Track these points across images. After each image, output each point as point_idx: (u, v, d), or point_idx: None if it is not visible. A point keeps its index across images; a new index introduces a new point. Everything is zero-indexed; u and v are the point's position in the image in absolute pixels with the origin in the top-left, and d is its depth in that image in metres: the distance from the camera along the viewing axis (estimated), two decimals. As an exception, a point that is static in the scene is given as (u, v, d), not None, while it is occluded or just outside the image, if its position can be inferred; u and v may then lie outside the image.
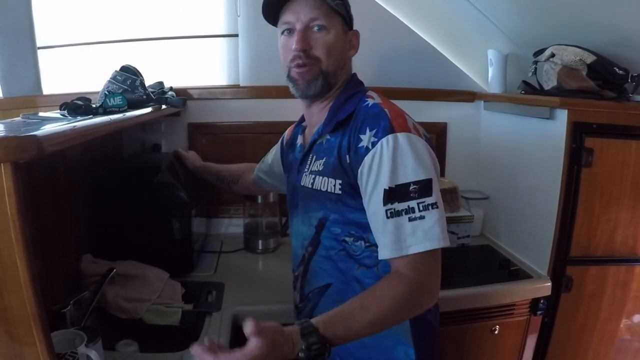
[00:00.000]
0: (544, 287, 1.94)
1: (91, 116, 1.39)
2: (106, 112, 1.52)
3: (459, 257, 2.25)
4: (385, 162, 1.15)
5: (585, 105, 1.86)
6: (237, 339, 1.66)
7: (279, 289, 1.89)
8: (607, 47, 1.95)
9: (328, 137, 1.32)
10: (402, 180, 1.14)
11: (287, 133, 1.67)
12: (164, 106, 1.92)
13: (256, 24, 2.42)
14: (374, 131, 1.18)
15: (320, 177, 1.30)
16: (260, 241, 2.33)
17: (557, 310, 1.96)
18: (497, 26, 2.45)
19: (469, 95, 2.58)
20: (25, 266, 0.89)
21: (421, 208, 1.13)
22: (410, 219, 1.13)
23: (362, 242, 1.27)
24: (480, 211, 2.48)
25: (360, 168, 1.20)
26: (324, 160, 1.31)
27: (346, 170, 1.24)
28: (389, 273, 1.18)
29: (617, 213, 1.90)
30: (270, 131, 2.32)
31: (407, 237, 1.13)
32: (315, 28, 1.29)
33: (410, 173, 1.15)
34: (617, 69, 1.93)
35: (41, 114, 1.46)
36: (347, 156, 1.23)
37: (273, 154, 1.80)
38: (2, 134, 0.90)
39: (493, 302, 1.90)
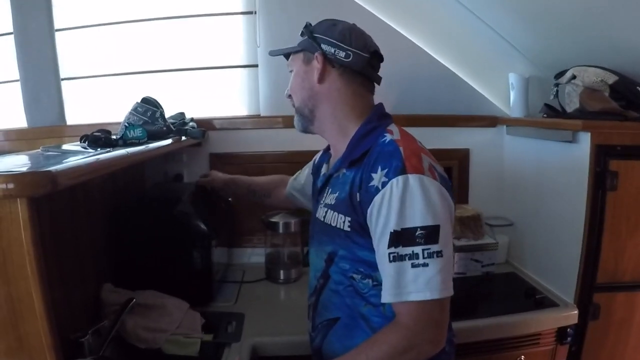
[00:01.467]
0: (571, 316, 1.89)
1: (110, 149, 1.41)
2: (126, 144, 1.54)
3: (483, 286, 2.20)
4: (394, 203, 1.13)
5: (609, 127, 1.83)
6: (256, 371, 1.66)
7: (300, 319, 1.86)
8: (629, 67, 1.92)
9: (344, 171, 1.31)
10: (409, 224, 1.12)
11: (318, 157, 1.67)
12: (183, 138, 1.94)
13: (276, 55, 2.45)
14: (385, 171, 1.16)
15: (332, 212, 1.30)
16: (282, 271, 2.32)
17: (585, 339, 1.90)
18: (517, 49, 2.44)
19: (491, 120, 2.55)
20: (40, 297, 0.91)
21: (425, 255, 1.11)
22: (413, 265, 1.12)
23: (370, 281, 1.25)
24: (505, 238, 2.44)
25: (369, 208, 1.18)
26: (337, 194, 1.31)
27: (356, 208, 1.22)
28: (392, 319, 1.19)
29: (645, 237, 1.85)
30: (290, 161, 2.33)
31: (408, 284, 1.12)
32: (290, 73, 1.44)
33: (419, 217, 1.12)
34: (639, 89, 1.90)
35: (64, 146, 1.48)
36: (358, 194, 1.22)
37: (306, 174, 1.76)
38: (19, 168, 0.92)
39: (518, 332, 1.85)
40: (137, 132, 1.64)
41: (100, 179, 1.80)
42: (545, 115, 2.20)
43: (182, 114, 2.24)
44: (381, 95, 2.57)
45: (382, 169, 1.17)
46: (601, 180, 1.81)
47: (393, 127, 1.32)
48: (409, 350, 1.13)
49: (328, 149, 1.55)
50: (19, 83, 2.40)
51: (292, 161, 2.33)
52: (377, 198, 1.15)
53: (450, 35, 2.50)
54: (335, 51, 1.32)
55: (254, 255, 2.53)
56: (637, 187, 1.82)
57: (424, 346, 1.15)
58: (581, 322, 1.88)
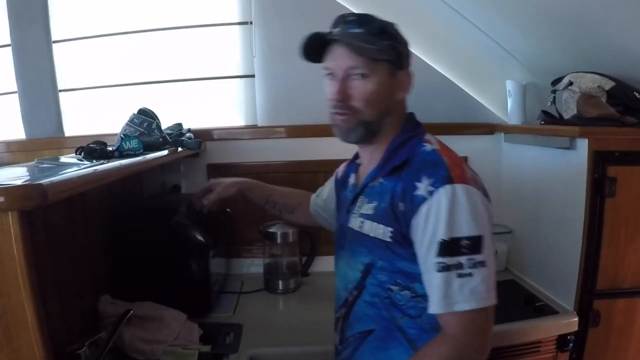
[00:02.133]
0: (571, 323, 1.88)
1: (105, 160, 1.41)
2: (122, 156, 1.54)
3: (483, 293, 2.18)
4: (442, 213, 1.11)
5: (606, 133, 1.83)
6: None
7: (298, 330, 1.89)
8: (626, 72, 1.92)
9: (381, 180, 1.28)
10: (456, 234, 1.11)
11: (341, 169, 1.62)
12: (180, 149, 1.93)
13: (272, 64, 2.46)
14: (432, 180, 1.14)
15: (370, 222, 1.26)
16: (280, 281, 2.31)
17: (585, 346, 1.89)
18: (514, 56, 2.44)
19: (489, 128, 2.55)
20: (32, 310, 0.91)
21: (470, 265, 1.11)
22: (458, 275, 1.11)
23: (408, 292, 1.23)
24: (505, 245, 2.43)
25: (415, 217, 1.16)
26: (375, 204, 1.27)
27: (399, 218, 1.19)
28: (438, 331, 1.18)
29: (645, 243, 1.84)
30: (289, 171, 2.34)
31: (455, 294, 1.11)
32: (355, 76, 1.25)
33: (465, 228, 1.12)
34: (637, 94, 1.89)
35: (62, 158, 1.48)
36: (401, 204, 1.19)
37: (328, 190, 1.71)
38: (11, 181, 0.92)
39: (519, 340, 1.84)
40: (133, 144, 1.64)
41: (98, 190, 1.80)
42: (542, 122, 2.20)
43: (180, 124, 2.24)
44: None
45: (427, 178, 1.15)
46: (599, 187, 1.81)
47: (430, 137, 1.30)
48: (457, 358, 1.13)
49: (355, 158, 1.50)
50: (16, 95, 2.41)
51: (291, 171, 2.34)
52: (424, 207, 1.14)
53: (447, 42, 2.50)
54: (409, 66, 1.32)
55: (253, 266, 2.53)
56: (635, 193, 1.82)
57: (473, 356, 1.15)
58: (581, 329, 1.87)
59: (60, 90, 2.40)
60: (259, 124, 2.52)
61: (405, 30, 2.51)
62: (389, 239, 1.21)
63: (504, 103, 2.49)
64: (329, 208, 1.68)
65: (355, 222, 1.31)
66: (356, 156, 1.49)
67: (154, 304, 1.79)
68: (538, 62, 2.37)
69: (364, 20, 1.26)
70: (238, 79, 2.57)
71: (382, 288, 1.26)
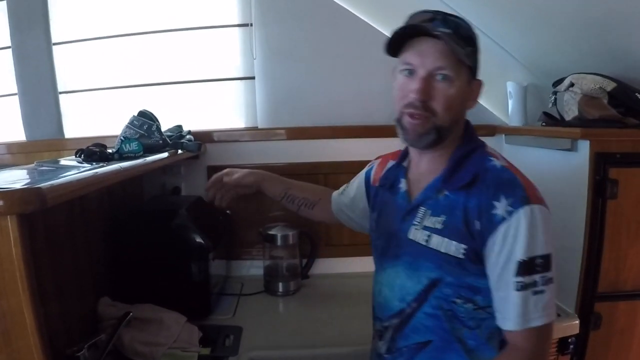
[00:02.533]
0: (572, 326, 1.87)
1: (105, 163, 1.41)
2: (122, 158, 1.53)
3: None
4: (522, 234, 1.12)
5: (608, 134, 1.82)
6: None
7: (298, 333, 1.88)
8: (627, 73, 1.92)
9: (447, 193, 1.24)
10: (533, 253, 1.13)
11: (378, 168, 1.54)
12: (180, 151, 1.93)
13: (272, 66, 2.46)
14: (510, 200, 1.14)
15: (440, 237, 1.23)
16: (280, 284, 2.31)
17: (587, 349, 1.88)
18: (514, 57, 2.44)
19: (490, 129, 2.54)
20: (31, 314, 0.91)
21: (543, 282, 1.14)
22: (534, 293, 1.14)
23: (471, 305, 1.23)
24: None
25: (492, 237, 1.16)
26: (443, 218, 1.23)
27: (474, 236, 1.18)
28: (507, 346, 1.21)
29: (646, 245, 1.84)
30: (289, 172, 2.31)
31: (531, 311, 1.14)
32: (439, 77, 1.19)
33: (540, 247, 1.14)
34: (638, 95, 1.89)
35: (62, 161, 1.48)
36: (477, 222, 1.17)
37: (356, 188, 1.64)
38: (10, 184, 0.92)
39: (520, 343, 1.83)
40: (133, 146, 1.64)
41: (98, 193, 1.80)
42: (543, 124, 2.19)
43: (180, 126, 2.24)
44: (378, 106, 2.58)
45: (506, 198, 1.15)
46: (601, 189, 1.80)
47: (493, 151, 1.29)
48: None
49: (400, 161, 1.44)
50: (17, 97, 2.41)
51: (291, 173, 2.31)
52: (503, 227, 1.14)
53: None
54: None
55: (253, 268, 2.52)
56: (637, 194, 1.81)
57: None
58: (582, 331, 1.86)
59: (61, 92, 2.40)
60: (260, 126, 2.52)
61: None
62: (461, 256, 1.20)
63: (505, 104, 2.49)
64: (357, 207, 1.63)
65: (418, 235, 1.27)
66: (401, 158, 1.44)
67: (154, 306, 1.79)
68: (539, 64, 2.37)
69: (454, 21, 1.21)
70: (238, 81, 2.57)
71: (446, 301, 1.24)
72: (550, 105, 2.19)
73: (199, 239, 1.87)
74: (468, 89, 1.23)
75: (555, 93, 2.17)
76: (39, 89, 2.31)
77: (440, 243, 1.22)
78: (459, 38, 1.18)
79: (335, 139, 2.51)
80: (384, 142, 2.50)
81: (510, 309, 1.15)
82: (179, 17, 2.51)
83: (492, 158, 1.24)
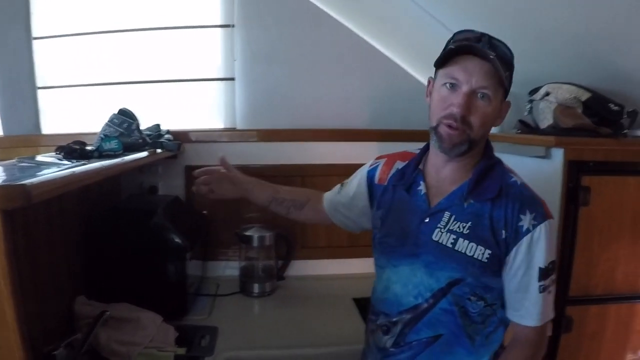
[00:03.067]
0: (544, 329, 1.90)
1: (85, 161, 1.40)
2: (102, 156, 1.53)
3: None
4: (542, 244, 1.27)
5: (581, 143, 1.86)
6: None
7: (274, 333, 1.89)
8: (601, 83, 1.96)
9: (472, 201, 1.33)
10: (549, 260, 1.29)
11: (384, 167, 1.56)
12: (159, 150, 1.92)
13: (252, 68, 2.47)
14: (534, 215, 1.28)
15: (467, 241, 1.31)
16: (256, 285, 2.31)
17: (557, 351, 1.91)
18: (492, 66, 2.47)
19: (466, 136, 2.57)
20: (13, 311, 0.90)
21: (551, 283, 1.31)
22: (548, 292, 1.31)
23: (482, 302, 1.33)
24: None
25: (517, 246, 1.28)
26: (469, 224, 1.32)
27: (499, 244, 1.29)
28: (515, 339, 1.36)
29: (616, 251, 1.88)
30: (267, 174, 2.32)
31: (550, 309, 1.33)
32: (480, 95, 1.25)
33: (552, 254, 1.31)
34: (612, 105, 1.93)
35: (39, 157, 1.46)
36: (504, 231, 1.29)
37: (355, 187, 1.63)
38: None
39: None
40: (113, 144, 1.63)
41: (76, 191, 1.77)
42: (519, 131, 2.23)
43: (158, 125, 2.23)
44: (356, 110, 2.60)
45: (530, 213, 1.28)
46: (574, 196, 1.84)
47: (508, 167, 1.40)
48: (539, 355, 1.36)
49: (417, 162, 1.47)
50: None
51: (268, 175, 2.32)
52: (527, 238, 1.27)
53: (426, 51, 2.52)
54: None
55: (228, 269, 2.53)
56: (609, 202, 1.85)
57: (541, 355, 1.37)
58: (554, 334, 1.89)
59: (39, 88, 2.37)
60: (238, 127, 2.52)
61: (385, 39, 2.55)
62: (485, 260, 1.29)
63: (481, 112, 2.52)
64: (356, 206, 1.64)
65: (444, 238, 1.33)
66: (416, 162, 1.47)
67: (130, 305, 1.79)
68: (516, 72, 2.40)
69: (498, 45, 1.29)
70: (218, 82, 2.57)
71: (462, 298, 1.33)
72: (526, 113, 2.23)
73: (176, 239, 1.87)
74: (499, 106, 1.31)
75: (531, 101, 2.20)
76: (17, 83, 2.27)
77: (466, 246, 1.30)
78: (501, 62, 1.25)
79: (313, 141, 2.53)
80: (361, 145, 2.55)
81: (532, 308, 1.30)
82: (162, 15, 2.50)
83: (511, 175, 1.36)
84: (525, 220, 1.27)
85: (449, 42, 1.36)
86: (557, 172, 1.87)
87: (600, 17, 1.68)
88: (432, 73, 1.41)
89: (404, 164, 1.51)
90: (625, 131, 1.93)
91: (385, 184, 1.52)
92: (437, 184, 1.40)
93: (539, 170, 1.99)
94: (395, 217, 1.46)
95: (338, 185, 1.71)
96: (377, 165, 1.59)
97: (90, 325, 1.54)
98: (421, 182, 1.42)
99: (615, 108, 1.93)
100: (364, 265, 2.59)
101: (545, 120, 2.10)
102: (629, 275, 1.90)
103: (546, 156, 1.94)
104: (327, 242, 2.57)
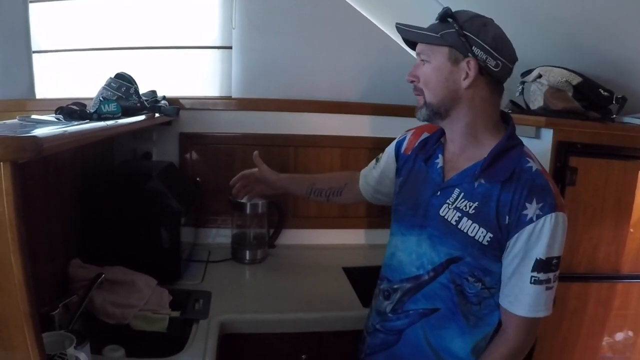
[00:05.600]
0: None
1: (87, 121, 1.41)
2: (100, 118, 1.53)
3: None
4: (544, 236, 1.24)
5: (571, 125, 1.89)
6: (224, 347, 1.68)
7: (266, 299, 1.93)
8: (592, 70, 1.99)
9: (482, 181, 1.32)
10: (551, 254, 1.26)
11: (412, 138, 1.59)
12: (157, 115, 1.93)
13: (250, 37, 2.46)
14: (541, 205, 1.24)
15: (470, 221, 1.32)
16: (247, 252, 2.35)
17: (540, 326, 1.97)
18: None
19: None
20: (19, 265, 0.90)
21: (554, 279, 1.29)
22: (547, 288, 1.28)
23: (480, 284, 1.34)
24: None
25: (518, 233, 1.26)
26: (476, 204, 1.32)
27: (502, 229, 1.28)
28: (502, 332, 1.36)
29: (599, 231, 1.93)
30: (260, 143, 2.35)
31: (541, 304, 1.29)
32: (421, 61, 1.35)
33: (558, 249, 1.27)
34: (602, 91, 1.96)
35: (34, 116, 1.46)
36: (508, 217, 1.27)
37: (386, 160, 1.67)
38: (1, 134, 0.91)
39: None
40: (112, 107, 1.63)
41: (71, 154, 1.79)
42: (510, 112, 2.26)
43: (154, 92, 2.23)
44: (350, 83, 2.62)
45: (537, 202, 1.25)
46: (561, 175, 1.88)
47: (529, 151, 1.37)
48: (519, 354, 1.35)
49: (440, 137, 1.48)
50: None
51: (262, 144, 2.36)
52: (529, 227, 1.25)
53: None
54: (486, 58, 1.28)
55: (219, 236, 2.56)
56: (594, 183, 1.90)
57: (524, 354, 1.36)
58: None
59: (34, 52, 2.35)
60: (233, 96, 2.53)
61: (381, 13, 2.55)
62: (486, 243, 1.30)
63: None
64: (387, 177, 1.67)
65: (450, 214, 1.35)
66: (441, 133, 1.48)
67: (125, 268, 1.81)
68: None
69: (442, 11, 1.34)
70: (215, 50, 2.57)
71: (459, 277, 1.34)
72: (517, 94, 2.26)
73: (171, 203, 1.89)
74: (452, 67, 1.30)
75: (523, 83, 2.23)
76: (12, 46, 2.24)
77: (469, 226, 1.31)
78: (439, 23, 1.33)
79: (307, 112, 2.55)
80: (354, 118, 2.58)
81: (523, 298, 1.29)
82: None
83: (529, 159, 1.32)
84: (530, 210, 1.24)
85: None
86: (546, 152, 1.90)
87: (596, 6, 1.71)
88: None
89: (428, 135, 1.53)
90: (613, 116, 1.97)
91: (409, 153, 1.56)
92: (454, 159, 1.41)
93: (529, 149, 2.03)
94: (411, 186, 1.49)
95: (373, 161, 1.75)
96: (406, 136, 1.62)
97: (86, 287, 1.56)
98: (439, 155, 1.44)
99: (605, 94, 1.96)
100: (354, 237, 2.66)
101: (536, 102, 2.13)
102: (611, 255, 1.96)
103: (536, 136, 1.97)
104: (317, 213, 2.61)
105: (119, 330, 1.62)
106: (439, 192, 1.38)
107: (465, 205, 1.33)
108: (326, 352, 1.86)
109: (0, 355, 0.94)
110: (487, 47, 1.27)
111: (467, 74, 1.29)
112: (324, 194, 1.82)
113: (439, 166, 1.43)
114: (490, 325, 1.37)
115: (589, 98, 1.98)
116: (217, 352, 1.56)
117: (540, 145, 1.94)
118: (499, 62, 1.29)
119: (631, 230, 1.96)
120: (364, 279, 1.89)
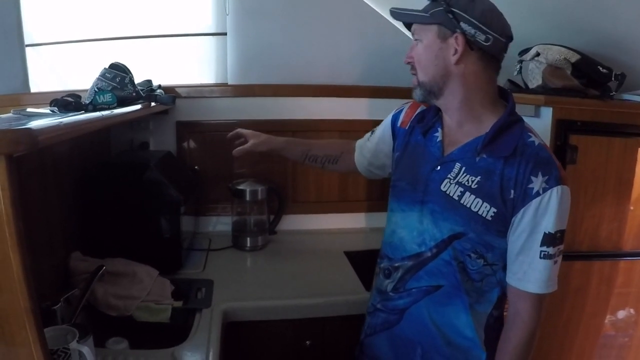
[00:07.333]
0: (530, 283, 1.96)
1: (82, 112, 1.39)
2: (96, 109, 1.51)
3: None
4: (552, 209, 1.24)
5: (570, 103, 1.88)
6: (228, 335, 1.68)
7: (269, 285, 1.93)
8: (591, 47, 1.97)
9: (484, 155, 1.31)
10: (558, 227, 1.26)
11: (409, 111, 1.58)
12: (153, 103, 1.91)
13: (245, 23, 2.44)
14: (547, 178, 1.24)
15: (473, 196, 1.31)
16: (248, 239, 2.35)
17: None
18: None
19: (456, 94, 2.59)
20: (18, 261, 0.89)
21: (559, 253, 1.28)
22: (554, 262, 1.28)
23: (482, 261, 1.34)
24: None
25: (524, 207, 1.26)
26: (478, 179, 1.31)
27: (506, 203, 1.28)
28: (512, 317, 1.34)
29: (601, 209, 1.92)
30: (258, 129, 2.33)
31: (552, 278, 1.28)
32: (415, 42, 1.37)
33: (564, 222, 1.27)
34: (600, 68, 1.95)
35: (36, 109, 1.45)
36: (513, 191, 1.26)
37: (381, 132, 1.67)
38: (-5, 126, 0.90)
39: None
40: (107, 98, 1.62)
41: (68, 146, 1.77)
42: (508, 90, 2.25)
43: (149, 81, 2.21)
44: (346, 66, 2.60)
45: (542, 175, 1.24)
46: (561, 154, 1.86)
47: (529, 126, 1.36)
48: (536, 333, 1.33)
49: (438, 109, 1.45)
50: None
51: (260, 130, 2.33)
52: (536, 201, 1.24)
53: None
54: (475, 33, 1.27)
55: (219, 224, 2.56)
56: (595, 161, 1.89)
57: (537, 335, 1.34)
58: (539, 289, 1.95)
59: (27, 45, 2.32)
60: (229, 83, 2.51)
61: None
62: (490, 218, 1.29)
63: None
64: (382, 151, 1.67)
65: (452, 189, 1.34)
66: (437, 108, 1.46)
67: (126, 260, 1.81)
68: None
69: None
70: (209, 37, 2.55)
71: (462, 253, 1.34)
72: (515, 73, 2.24)
73: (171, 193, 1.88)
74: (441, 44, 1.31)
75: (520, 62, 2.21)
76: (4, 41, 2.21)
77: (472, 201, 1.31)
78: (430, 2, 1.34)
79: (304, 97, 2.53)
80: (351, 101, 2.56)
81: (535, 274, 1.28)
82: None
83: (530, 134, 1.32)
84: (536, 183, 1.24)
85: None
86: (546, 130, 1.89)
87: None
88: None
89: (424, 108, 1.53)
90: (612, 94, 1.95)
91: (406, 127, 1.55)
92: (454, 133, 1.40)
93: (528, 129, 2.02)
94: (409, 161, 1.48)
95: (369, 133, 1.74)
96: (403, 108, 1.61)
97: (87, 280, 1.55)
98: (439, 129, 1.44)
99: (604, 71, 1.94)
100: (354, 220, 2.66)
101: (535, 80, 2.11)
102: (613, 233, 1.95)
103: (535, 115, 1.95)
104: (317, 197, 2.61)
105: (122, 322, 1.62)
106: (439, 167, 1.38)
107: (468, 180, 1.32)
108: (330, 337, 1.86)
109: (3, 352, 0.94)
110: (475, 22, 1.27)
111: (455, 49, 1.29)
112: (320, 160, 1.82)
113: (438, 140, 1.42)
114: (490, 302, 1.38)
115: (588, 75, 1.96)
116: (221, 340, 1.56)
117: (540, 124, 1.93)
118: (489, 36, 1.28)
119: (631, 208, 1.95)
120: (366, 263, 1.88)
